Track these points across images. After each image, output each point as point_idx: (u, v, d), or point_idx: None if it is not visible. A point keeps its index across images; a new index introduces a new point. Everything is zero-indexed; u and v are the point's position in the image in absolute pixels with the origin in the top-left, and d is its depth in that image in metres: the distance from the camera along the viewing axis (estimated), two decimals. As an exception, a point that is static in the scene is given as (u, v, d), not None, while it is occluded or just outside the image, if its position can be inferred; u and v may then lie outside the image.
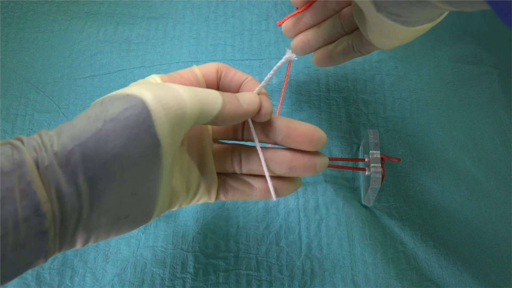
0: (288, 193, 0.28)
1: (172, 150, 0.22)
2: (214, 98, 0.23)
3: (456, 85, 0.46)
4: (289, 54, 0.26)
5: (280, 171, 0.27)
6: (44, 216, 0.19)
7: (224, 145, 0.29)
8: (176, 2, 0.52)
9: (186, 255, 0.37)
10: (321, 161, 0.26)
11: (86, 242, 0.22)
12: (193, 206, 0.39)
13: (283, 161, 0.27)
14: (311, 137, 0.26)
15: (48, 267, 0.36)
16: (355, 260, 0.37)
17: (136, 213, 0.22)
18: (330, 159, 0.41)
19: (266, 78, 0.26)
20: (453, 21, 0.50)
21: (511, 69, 0.47)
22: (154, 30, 0.49)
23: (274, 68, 0.26)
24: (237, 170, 0.28)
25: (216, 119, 0.23)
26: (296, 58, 0.27)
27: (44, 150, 0.20)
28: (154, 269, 0.36)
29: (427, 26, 0.25)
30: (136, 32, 0.49)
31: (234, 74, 0.27)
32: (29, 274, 0.36)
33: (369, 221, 0.39)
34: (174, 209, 0.26)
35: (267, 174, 0.27)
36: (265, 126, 0.27)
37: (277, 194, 0.28)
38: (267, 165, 0.27)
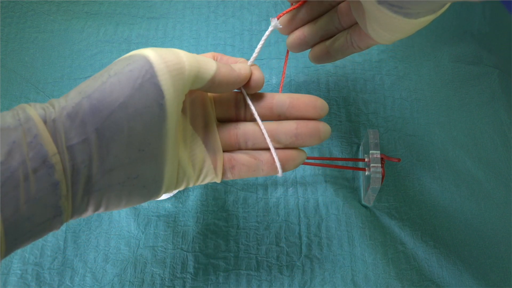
0: (294, 166, 0.28)
1: (175, 106, 0.23)
2: (209, 61, 0.25)
3: (456, 85, 0.46)
4: (274, 23, 0.28)
5: (286, 140, 0.28)
6: (53, 167, 0.20)
7: (228, 123, 0.29)
8: (176, 2, 0.52)
9: (186, 255, 0.37)
10: (325, 128, 0.27)
11: (97, 206, 0.22)
12: (193, 206, 0.39)
13: (288, 130, 0.27)
14: (314, 104, 0.27)
15: (48, 267, 0.36)
16: (355, 260, 0.37)
17: (145, 175, 0.23)
18: (330, 159, 0.41)
19: (256, 50, 0.28)
20: (453, 21, 0.50)
21: (511, 69, 0.47)
22: (154, 30, 0.49)
23: (263, 38, 0.28)
24: (242, 146, 0.29)
25: (212, 82, 0.25)
26: (281, 27, 0.29)
27: (52, 107, 0.21)
28: (154, 269, 0.36)
29: (429, 18, 0.24)
30: (136, 32, 0.49)
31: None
32: (29, 274, 0.36)
33: (369, 221, 0.39)
34: (182, 187, 0.26)
35: (270, 145, 0.27)
36: (267, 100, 0.28)
37: (283, 167, 0.28)
38: (272, 137, 0.28)
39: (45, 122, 0.20)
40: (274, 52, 0.48)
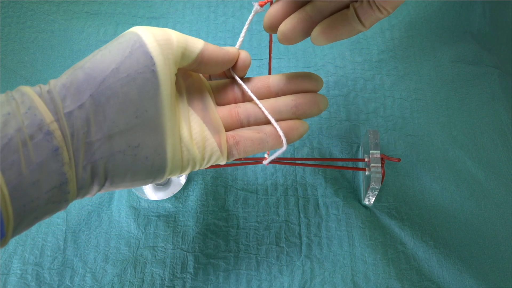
0: (297, 136, 0.28)
1: (167, 74, 0.23)
2: (197, 39, 0.26)
3: (456, 85, 0.46)
4: (256, 7, 0.28)
5: (287, 112, 0.28)
6: (51, 134, 0.20)
7: (228, 104, 0.30)
8: (176, 2, 0.52)
9: (186, 255, 0.37)
10: (323, 99, 0.28)
11: (102, 178, 0.22)
12: (193, 206, 0.39)
13: (287, 103, 0.28)
14: (309, 77, 0.28)
15: (48, 267, 0.36)
16: (355, 260, 0.37)
17: (146, 145, 0.23)
18: (330, 159, 0.41)
19: (241, 34, 0.29)
20: (453, 21, 0.50)
21: (511, 69, 0.47)
22: (154, 30, 0.49)
23: (247, 21, 0.28)
24: (244, 123, 0.29)
25: (201, 59, 0.25)
26: (263, 10, 0.28)
27: (46, 85, 0.22)
28: (154, 269, 0.36)
29: None
30: (136, 32, 0.49)
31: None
32: (29, 274, 0.36)
33: (369, 221, 0.39)
34: (189, 169, 0.26)
35: (269, 116, 0.27)
36: (263, 81, 0.29)
37: (288, 138, 0.28)
38: (273, 111, 0.28)
39: (40, 95, 0.21)
40: (274, 52, 0.48)
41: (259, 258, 0.37)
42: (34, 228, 0.38)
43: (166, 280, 0.36)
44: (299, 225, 0.39)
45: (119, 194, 0.40)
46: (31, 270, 0.36)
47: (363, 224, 0.39)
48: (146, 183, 0.25)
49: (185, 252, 0.37)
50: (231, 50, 0.27)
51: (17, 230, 0.20)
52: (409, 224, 0.39)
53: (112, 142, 0.22)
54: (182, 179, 0.40)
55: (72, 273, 0.36)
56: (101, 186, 0.23)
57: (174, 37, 0.24)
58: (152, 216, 0.39)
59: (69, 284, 0.36)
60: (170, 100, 0.24)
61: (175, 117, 0.25)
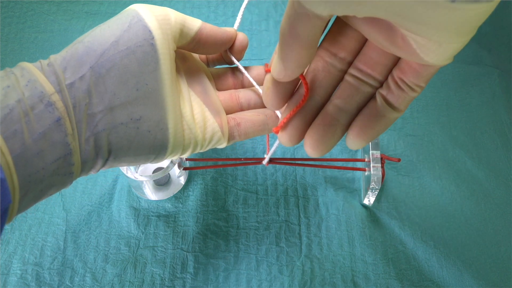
0: None
1: (166, 49, 0.23)
2: (195, 19, 0.26)
3: (456, 85, 0.46)
4: None
5: None
6: (53, 105, 0.20)
7: (228, 90, 0.30)
8: (176, 2, 0.52)
9: (186, 255, 0.37)
10: None
11: (105, 151, 0.22)
12: (193, 206, 0.39)
13: None
14: None
15: (48, 267, 0.36)
16: (355, 260, 0.37)
17: (148, 118, 0.23)
18: (330, 159, 0.41)
19: (239, 14, 0.29)
20: (453, 21, 0.50)
21: (511, 69, 0.47)
22: (154, 30, 0.49)
23: (242, 5, 0.29)
24: (245, 107, 0.29)
25: (200, 37, 0.26)
26: None
27: (47, 59, 0.22)
28: (154, 269, 0.36)
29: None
30: (136, 32, 0.49)
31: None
32: (29, 274, 0.36)
33: (369, 221, 0.39)
34: (191, 148, 0.26)
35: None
36: (263, 68, 0.29)
37: None
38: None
39: (40, 69, 0.21)
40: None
41: (259, 258, 0.37)
42: (34, 228, 0.38)
43: (166, 280, 0.36)
44: (299, 225, 0.39)
45: (119, 194, 0.40)
46: (31, 270, 0.36)
47: (363, 224, 0.39)
48: (148, 160, 0.25)
49: (185, 252, 0.37)
50: (228, 29, 0.27)
51: (24, 201, 0.20)
52: (409, 224, 0.39)
53: (114, 114, 0.22)
54: (182, 179, 0.41)
55: (72, 273, 0.36)
56: (105, 160, 0.23)
57: (172, 14, 0.24)
58: (152, 216, 0.39)
59: (69, 284, 0.36)
60: (171, 76, 0.24)
61: (176, 93, 0.25)
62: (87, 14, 0.51)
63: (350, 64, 0.22)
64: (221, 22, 0.50)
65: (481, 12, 0.16)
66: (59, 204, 0.39)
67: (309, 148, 0.23)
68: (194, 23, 0.25)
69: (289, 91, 0.23)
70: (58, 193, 0.40)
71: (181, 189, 0.40)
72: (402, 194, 0.41)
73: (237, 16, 0.51)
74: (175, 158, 0.27)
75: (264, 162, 0.33)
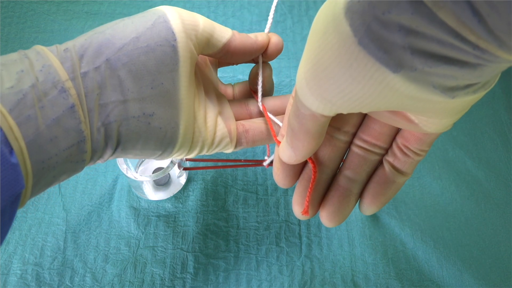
0: None
1: (188, 52, 0.23)
2: (225, 28, 0.25)
3: (456, 85, 0.46)
4: None
5: None
6: (67, 92, 0.20)
7: (238, 100, 0.30)
8: (176, 2, 0.52)
9: (186, 255, 0.37)
10: None
11: (115, 141, 0.22)
12: (193, 206, 0.39)
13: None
14: None
15: (48, 267, 0.36)
16: (355, 260, 0.37)
17: (161, 116, 0.23)
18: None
19: (269, 19, 0.27)
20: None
21: (511, 69, 0.47)
22: (154, 30, 0.49)
23: (272, 7, 0.27)
24: (254, 115, 0.29)
25: (228, 47, 0.25)
26: None
27: (63, 44, 0.22)
28: (154, 269, 0.36)
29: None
30: (136, 32, 0.49)
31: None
32: (29, 274, 0.36)
33: (369, 221, 0.39)
34: (197, 149, 0.26)
35: (270, 116, 0.28)
36: (284, 100, 0.29)
37: None
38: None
39: (55, 54, 0.21)
40: (274, 52, 0.48)
41: (259, 258, 0.37)
42: (34, 228, 0.38)
43: (166, 280, 0.36)
44: (299, 225, 0.39)
45: (119, 194, 0.40)
46: (31, 270, 0.36)
47: (363, 224, 0.39)
48: (154, 155, 0.25)
49: (185, 252, 0.37)
50: (260, 38, 0.26)
51: (36, 187, 0.20)
52: (409, 224, 0.39)
53: (126, 106, 0.22)
54: (182, 179, 0.40)
55: (72, 273, 0.36)
56: (114, 150, 0.23)
57: (201, 22, 0.24)
58: (152, 216, 0.39)
59: (69, 284, 0.36)
60: (189, 79, 0.24)
61: (191, 96, 0.24)
62: (87, 14, 0.51)
63: (354, 135, 0.23)
64: (221, 22, 0.50)
65: (478, 96, 0.17)
66: (59, 204, 0.39)
67: (326, 220, 0.23)
68: (224, 34, 0.25)
69: (298, 169, 0.24)
70: (58, 193, 0.40)
71: (181, 189, 0.40)
72: (402, 194, 0.41)
73: (237, 16, 0.51)
74: (180, 157, 0.27)
75: (265, 163, 0.33)
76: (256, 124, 0.28)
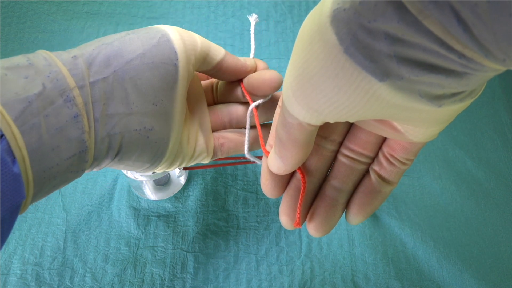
0: None
1: (186, 72, 0.24)
2: (219, 47, 0.27)
3: (456, 85, 0.46)
4: (253, 17, 0.29)
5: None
6: (72, 100, 0.20)
7: (214, 105, 0.30)
8: (176, 2, 0.52)
9: (186, 255, 0.37)
10: None
11: (116, 150, 0.22)
12: (193, 206, 0.39)
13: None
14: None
15: (48, 267, 0.36)
16: (355, 260, 0.37)
17: (157, 131, 0.24)
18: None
19: (252, 46, 0.30)
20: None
21: (511, 69, 0.47)
22: (154, 30, 0.49)
23: (251, 34, 0.30)
24: (227, 126, 0.30)
25: (220, 66, 0.26)
26: (258, 20, 0.30)
27: (68, 52, 0.22)
28: (154, 269, 0.36)
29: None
30: (136, 32, 0.49)
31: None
32: (29, 274, 0.36)
33: (369, 221, 0.39)
34: (177, 164, 0.27)
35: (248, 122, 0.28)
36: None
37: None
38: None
39: (62, 61, 0.21)
40: (274, 52, 0.48)
41: (259, 258, 0.37)
42: (34, 228, 0.38)
43: (166, 280, 0.36)
44: (299, 225, 0.39)
45: (119, 194, 0.40)
46: (31, 270, 0.36)
47: (363, 224, 0.39)
48: (143, 167, 0.25)
49: (185, 252, 0.37)
50: (248, 63, 0.28)
51: (36, 196, 0.20)
52: (409, 224, 0.39)
53: (130, 119, 0.22)
54: (182, 179, 0.40)
55: (72, 273, 0.36)
56: (112, 159, 0.23)
57: (199, 41, 0.25)
58: (152, 216, 0.39)
59: (69, 284, 0.36)
60: (183, 98, 0.24)
61: (183, 113, 0.25)
62: (87, 14, 0.51)
63: (340, 143, 0.23)
64: (221, 22, 0.50)
65: (465, 105, 0.17)
66: (59, 204, 0.39)
67: (313, 230, 0.23)
68: (217, 53, 0.26)
69: (286, 179, 0.23)
70: (58, 193, 0.40)
71: (181, 189, 0.40)
72: (402, 194, 0.41)
73: (237, 16, 0.51)
74: (161, 171, 0.28)
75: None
76: (230, 137, 0.29)
